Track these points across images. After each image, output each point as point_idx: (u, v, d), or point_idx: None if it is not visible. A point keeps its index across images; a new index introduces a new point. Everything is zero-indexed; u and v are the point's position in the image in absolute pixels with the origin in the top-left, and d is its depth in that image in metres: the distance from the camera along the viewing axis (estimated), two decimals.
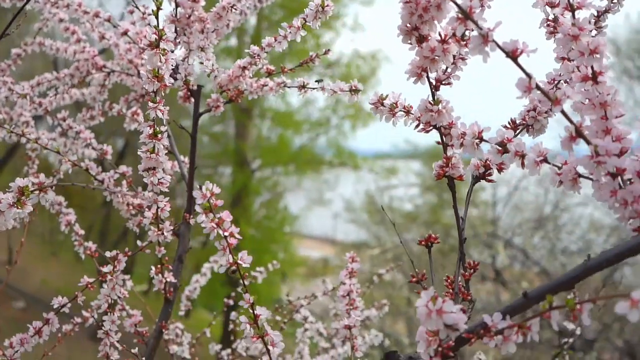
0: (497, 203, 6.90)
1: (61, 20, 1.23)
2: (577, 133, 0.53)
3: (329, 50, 1.03)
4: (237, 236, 0.64)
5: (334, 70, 9.55)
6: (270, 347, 0.66)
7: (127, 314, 1.01)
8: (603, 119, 0.55)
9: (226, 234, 0.63)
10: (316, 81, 0.95)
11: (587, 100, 0.56)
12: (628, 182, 0.53)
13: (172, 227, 0.94)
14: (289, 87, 0.98)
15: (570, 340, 1.14)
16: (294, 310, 1.36)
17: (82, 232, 1.12)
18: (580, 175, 0.56)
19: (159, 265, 0.98)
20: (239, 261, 0.64)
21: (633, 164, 0.54)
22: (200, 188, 0.63)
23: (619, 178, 0.52)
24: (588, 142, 0.52)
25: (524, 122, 0.70)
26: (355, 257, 1.03)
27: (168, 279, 0.99)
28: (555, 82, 0.70)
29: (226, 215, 0.64)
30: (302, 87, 0.96)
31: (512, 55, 0.52)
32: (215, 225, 0.63)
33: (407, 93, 0.72)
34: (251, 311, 0.67)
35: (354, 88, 0.85)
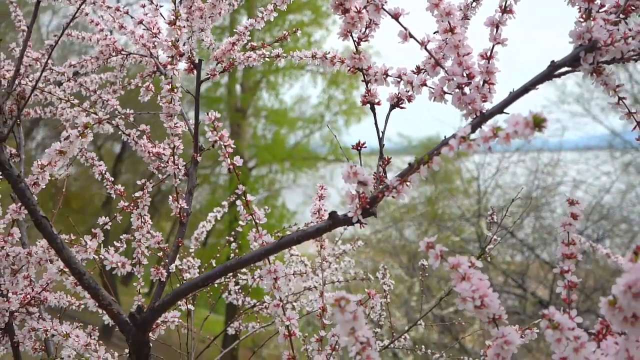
0: (481, 189, 7.24)
1: (87, 14, 1.55)
2: (436, 63, 0.86)
3: (297, 29, 1.36)
4: (232, 145, 0.97)
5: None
6: (257, 221, 0.99)
7: (152, 235, 1.33)
8: (458, 56, 0.88)
9: (226, 144, 0.96)
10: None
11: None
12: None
13: (185, 164, 1.27)
14: (267, 57, 1.31)
15: (491, 246, 1.47)
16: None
17: (112, 178, 1.44)
18: (445, 92, 0.89)
19: (174, 195, 1.30)
20: (234, 162, 0.97)
21: (475, 83, 0.87)
22: (207, 114, 0.96)
23: (463, 89, 0.86)
24: (443, 68, 0.86)
25: (424, 67, 1.02)
26: (324, 186, 1.36)
27: (182, 205, 1.31)
28: None
29: (225, 132, 0.97)
30: (278, 56, 1.29)
31: (395, 16, 0.85)
32: (218, 138, 0.96)
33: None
34: (244, 198, 0.99)
35: (313, 54, 1.18)
